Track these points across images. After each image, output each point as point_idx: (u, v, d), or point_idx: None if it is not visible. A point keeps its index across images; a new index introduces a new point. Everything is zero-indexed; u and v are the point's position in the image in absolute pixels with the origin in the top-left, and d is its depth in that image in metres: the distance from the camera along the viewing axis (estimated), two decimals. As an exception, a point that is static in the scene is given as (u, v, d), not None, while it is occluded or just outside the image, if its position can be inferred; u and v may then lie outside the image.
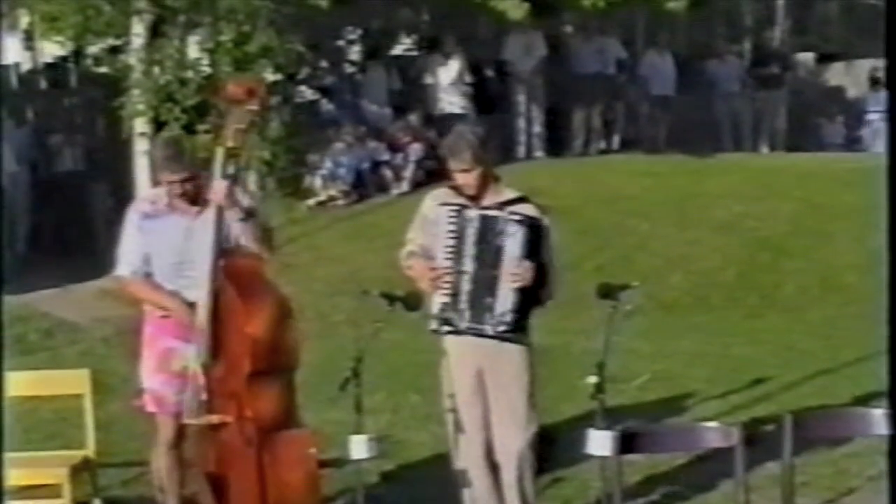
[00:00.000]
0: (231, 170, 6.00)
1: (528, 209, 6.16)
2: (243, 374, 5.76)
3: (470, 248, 6.08)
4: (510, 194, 6.24)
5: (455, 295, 6.08)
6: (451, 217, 6.12)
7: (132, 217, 6.22)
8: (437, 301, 6.12)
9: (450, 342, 6.11)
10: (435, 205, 6.23)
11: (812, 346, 11.15)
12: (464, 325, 6.09)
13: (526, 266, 6.02)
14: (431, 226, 6.19)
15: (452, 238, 6.10)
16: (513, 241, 6.04)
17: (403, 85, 18.02)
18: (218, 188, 5.93)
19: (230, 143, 5.96)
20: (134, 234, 6.18)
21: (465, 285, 6.08)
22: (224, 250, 5.94)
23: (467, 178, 6.14)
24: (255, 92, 6.03)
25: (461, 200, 6.17)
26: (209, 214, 5.97)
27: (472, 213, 6.11)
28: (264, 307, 5.87)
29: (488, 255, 6.06)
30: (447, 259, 6.09)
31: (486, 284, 6.06)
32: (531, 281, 6.03)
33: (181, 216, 6.14)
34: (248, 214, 6.05)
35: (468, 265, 6.08)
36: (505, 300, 6.05)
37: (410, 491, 7.29)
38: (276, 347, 5.83)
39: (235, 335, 5.80)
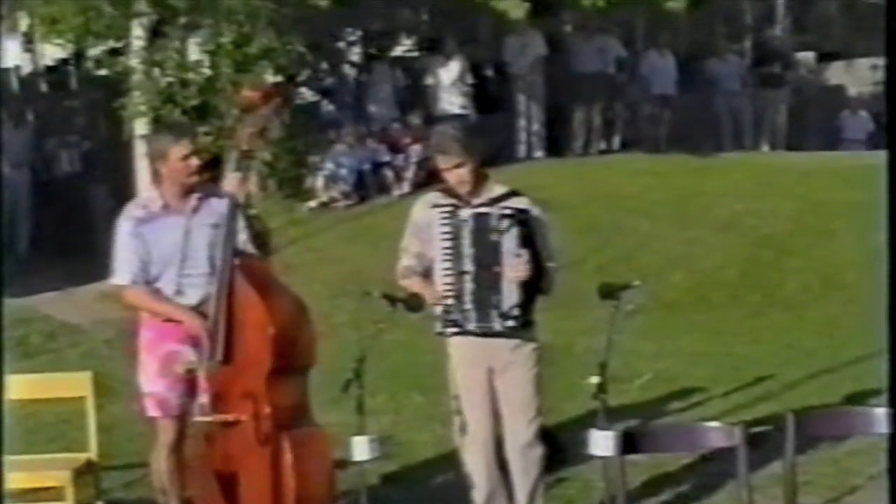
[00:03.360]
0: (244, 168, 6.05)
1: (519, 202, 6.14)
2: (263, 372, 5.77)
3: (467, 249, 6.04)
4: (501, 190, 6.21)
5: (459, 296, 6.05)
6: (444, 219, 6.07)
7: (125, 225, 6.20)
8: (442, 303, 6.10)
9: (457, 343, 6.11)
10: (426, 209, 6.20)
11: (814, 345, 11.15)
12: (471, 325, 6.07)
13: (524, 258, 5.99)
14: (424, 230, 6.15)
15: (448, 239, 6.05)
16: (508, 237, 6.01)
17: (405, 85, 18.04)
18: (232, 182, 6.00)
19: (245, 146, 6.05)
20: (129, 241, 6.15)
21: (468, 285, 6.05)
22: (236, 250, 5.98)
23: (461, 174, 6.08)
24: (270, 96, 6.14)
25: (453, 201, 6.13)
26: (205, 214, 6.07)
27: (466, 213, 6.06)
28: (283, 305, 5.90)
29: (487, 253, 6.03)
30: (445, 260, 6.05)
31: (488, 282, 6.03)
32: (531, 272, 6.01)
33: (178, 216, 6.16)
34: (255, 214, 6.13)
35: (468, 265, 6.05)
36: (510, 296, 6.02)
37: (413, 492, 7.29)
38: (294, 345, 5.86)
39: (254, 333, 5.81)
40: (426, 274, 6.15)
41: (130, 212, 6.27)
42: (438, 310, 6.10)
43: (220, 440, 5.92)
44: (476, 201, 6.13)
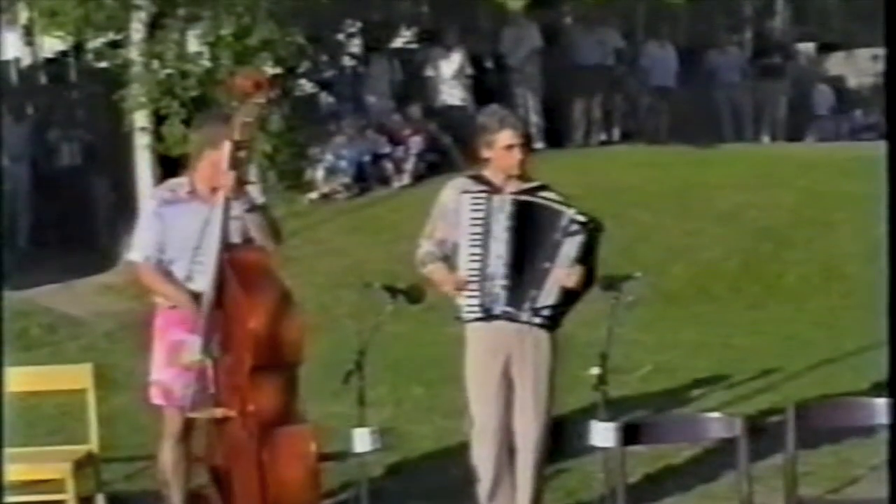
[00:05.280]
0: (238, 161, 6.01)
1: (549, 194, 6.16)
2: (245, 368, 5.74)
3: (503, 233, 6.04)
4: (532, 182, 6.23)
5: (486, 280, 6.04)
6: (476, 204, 6.08)
7: (150, 204, 6.30)
8: (465, 289, 6.08)
9: (478, 328, 6.10)
10: (456, 193, 6.19)
11: (814, 336, 11.15)
12: (498, 309, 6.06)
13: (579, 271, 6.04)
14: (452, 215, 6.15)
15: (479, 224, 6.06)
16: (571, 241, 6.04)
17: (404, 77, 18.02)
18: (226, 179, 5.95)
19: (237, 137, 5.95)
20: (150, 220, 6.21)
21: (501, 269, 6.04)
22: (230, 243, 5.95)
23: (517, 154, 6.12)
24: (262, 85, 6.02)
25: (484, 187, 6.15)
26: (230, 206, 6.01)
27: (503, 199, 6.07)
28: (267, 302, 5.83)
29: (540, 246, 6.04)
30: (473, 245, 6.05)
31: (532, 275, 6.03)
32: (581, 284, 6.05)
33: (201, 204, 6.15)
34: (256, 206, 6.10)
35: (502, 250, 6.04)
36: (549, 295, 6.04)
37: (414, 484, 7.30)
38: (278, 342, 5.79)
39: (238, 329, 5.78)
40: (445, 261, 6.15)
41: (157, 193, 6.43)
42: (461, 296, 6.08)
43: (216, 435, 5.92)
44: (510, 189, 6.13)
